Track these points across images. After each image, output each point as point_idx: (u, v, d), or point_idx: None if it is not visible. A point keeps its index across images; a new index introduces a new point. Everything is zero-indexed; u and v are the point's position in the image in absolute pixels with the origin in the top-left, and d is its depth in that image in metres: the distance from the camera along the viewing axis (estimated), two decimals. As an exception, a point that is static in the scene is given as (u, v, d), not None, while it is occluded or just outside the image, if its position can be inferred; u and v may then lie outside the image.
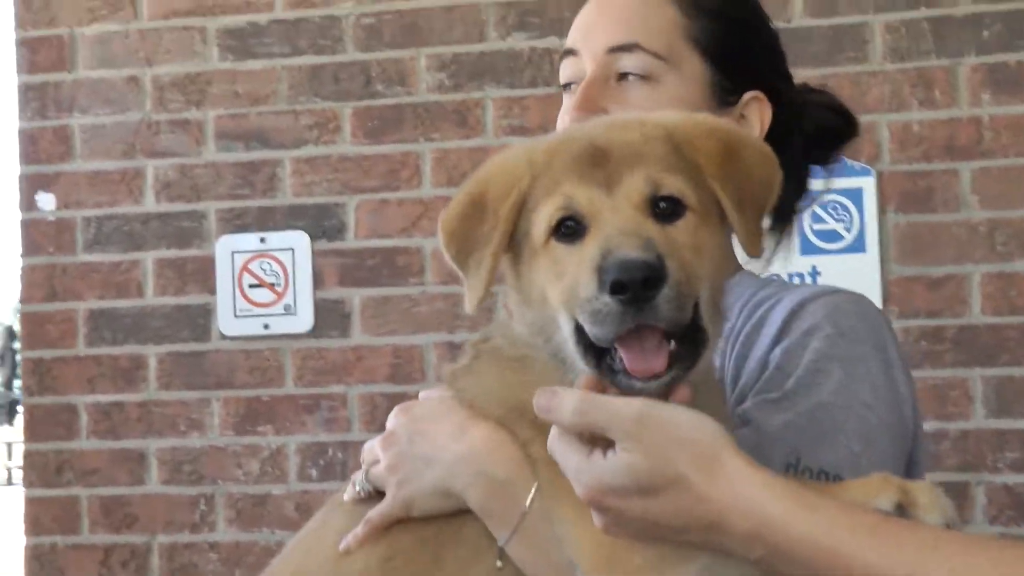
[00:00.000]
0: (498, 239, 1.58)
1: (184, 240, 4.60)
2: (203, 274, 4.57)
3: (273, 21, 4.59)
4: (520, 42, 4.43)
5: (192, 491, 4.52)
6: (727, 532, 1.40)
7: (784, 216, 2.14)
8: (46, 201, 4.65)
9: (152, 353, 4.58)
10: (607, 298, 1.42)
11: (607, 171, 1.52)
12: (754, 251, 1.58)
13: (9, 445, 34.52)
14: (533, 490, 1.64)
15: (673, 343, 1.46)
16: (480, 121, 4.45)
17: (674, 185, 1.52)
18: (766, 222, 1.86)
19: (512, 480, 1.66)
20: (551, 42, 4.37)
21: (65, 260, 4.64)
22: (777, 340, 1.84)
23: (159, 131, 4.63)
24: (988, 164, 4.17)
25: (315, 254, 4.50)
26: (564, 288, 1.51)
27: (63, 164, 4.66)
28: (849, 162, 4.09)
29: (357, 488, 1.82)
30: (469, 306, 1.60)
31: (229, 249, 4.55)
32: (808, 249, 4.20)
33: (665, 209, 1.52)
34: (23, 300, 4.67)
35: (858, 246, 4.21)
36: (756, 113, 2.06)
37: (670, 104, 1.94)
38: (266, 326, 4.51)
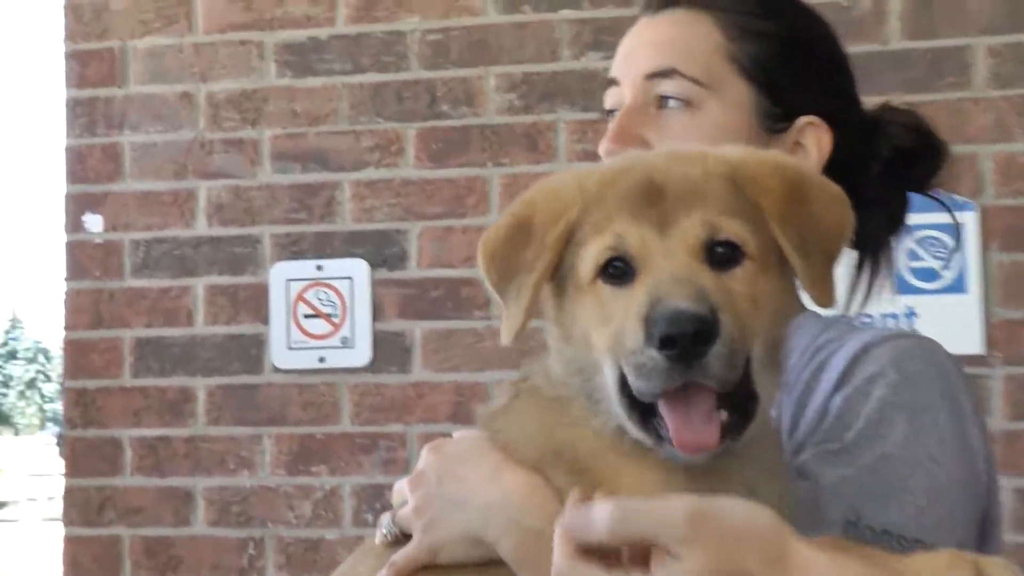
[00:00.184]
0: (542, 268, 1.55)
1: (237, 266, 4.54)
2: (256, 303, 4.52)
3: (334, 36, 4.54)
4: (595, 62, 4.34)
5: (240, 533, 4.46)
6: None
7: (873, 251, 2.08)
8: (93, 223, 4.62)
9: (201, 385, 4.52)
10: (654, 352, 1.39)
11: (662, 210, 1.49)
12: (822, 300, 1.54)
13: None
14: None
15: (725, 413, 1.43)
16: (551, 145, 4.38)
17: (732, 229, 1.49)
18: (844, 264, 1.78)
19: (548, 529, 1.54)
20: (629, 62, 4.24)
21: (112, 285, 4.60)
22: (838, 387, 1.78)
23: (212, 150, 4.58)
24: (1100, 199, 4.10)
25: (375, 283, 4.44)
26: (610, 334, 1.48)
27: (111, 184, 4.62)
28: (949, 195, 3.94)
29: (384, 531, 1.79)
30: (506, 337, 1.57)
31: (284, 276, 4.50)
32: (904, 288, 4.09)
33: (722, 255, 1.48)
34: (67, 327, 4.62)
35: (958, 286, 4.11)
36: (813, 139, 1.99)
37: (712, 131, 1.92)
38: (322, 359, 4.45)
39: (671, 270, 1.43)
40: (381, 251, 4.44)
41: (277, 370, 4.47)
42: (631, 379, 1.43)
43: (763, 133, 1.96)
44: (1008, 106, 4.11)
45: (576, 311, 1.54)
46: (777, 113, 1.99)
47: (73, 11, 4.67)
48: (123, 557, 4.50)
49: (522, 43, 4.42)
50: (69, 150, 4.65)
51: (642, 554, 1.35)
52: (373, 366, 4.41)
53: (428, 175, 4.43)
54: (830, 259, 1.55)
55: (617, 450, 1.53)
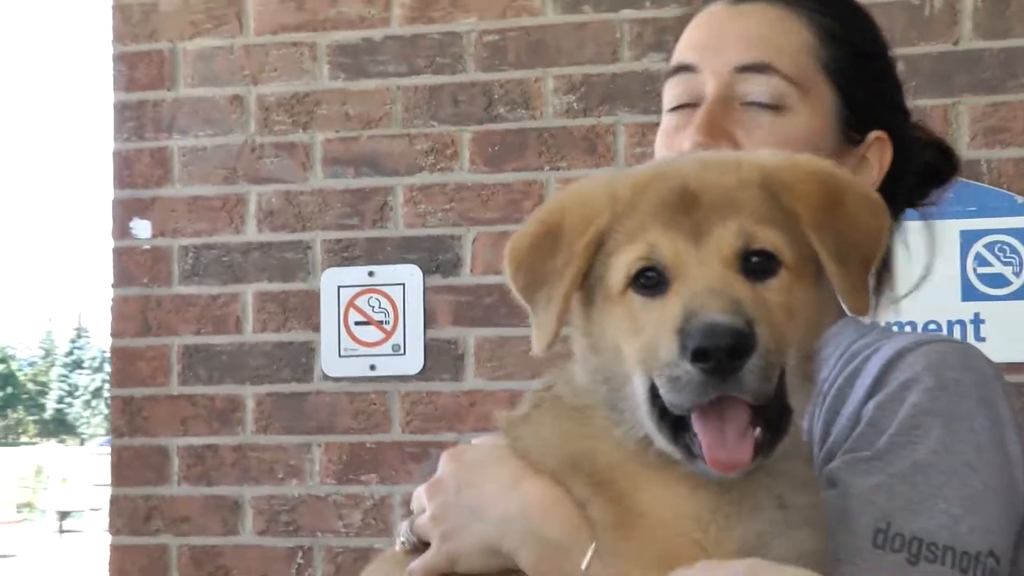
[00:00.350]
0: (571, 277, 1.53)
1: (287, 272, 4.53)
2: (306, 310, 4.51)
3: (388, 37, 4.53)
4: (656, 63, 4.26)
5: (289, 543, 4.44)
6: None
7: (883, 262, 2.08)
8: (141, 228, 4.61)
9: (250, 394, 4.52)
10: (688, 365, 1.39)
11: (696, 219, 1.48)
12: (858, 308, 1.54)
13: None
14: (590, 553, 1.56)
15: (759, 430, 1.43)
16: (611, 148, 4.34)
17: (768, 239, 1.48)
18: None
19: (567, 542, 1.59)
20: (690, 63, 4.20)
21: (160, 292, 4.60)
22: (871, 393, 1.77)
23: (263, 155, 4.57)
24: None
25: (427, 290, 4.43)
26: (642, 346, 1.47)
27: (160, 189, 4.63)
28: (1019, 199, 3.97)
29: (402, 539, 1.79)
30: (537, 347, 1.56)
31: (335, 283, 4.47)
32: (970, 295, 4.02)
33: (757, 265, 1.47)
34: (114, 334, 4.65)
35: (1027, 292, 4.13)
36: (877, 156, 2.01)
37: (800, 136, 1.90)
38: (373, 367, 4.44)
39: (706, 281, 1.42)
40: (434, 257, 4.42)
41: (327, 378, 4.46)
42: (663, 392, 1.43)
43: (842, 144, 1.95)
44: (1084, 107, 4.07)
45: (605, 321, 1.54)
46: (853, 123, 1.98)
47: (121, 12, 4.70)
48: (170, 567, 4.50)
49: (581, 44, 4.38)
50: (117, 155, 4.65)
51: None
52: (425, 374, 4.40)
53: (484, 179, 4.42)
54: (867, 266, 1.55)
55: (640, 461, 1.51)
